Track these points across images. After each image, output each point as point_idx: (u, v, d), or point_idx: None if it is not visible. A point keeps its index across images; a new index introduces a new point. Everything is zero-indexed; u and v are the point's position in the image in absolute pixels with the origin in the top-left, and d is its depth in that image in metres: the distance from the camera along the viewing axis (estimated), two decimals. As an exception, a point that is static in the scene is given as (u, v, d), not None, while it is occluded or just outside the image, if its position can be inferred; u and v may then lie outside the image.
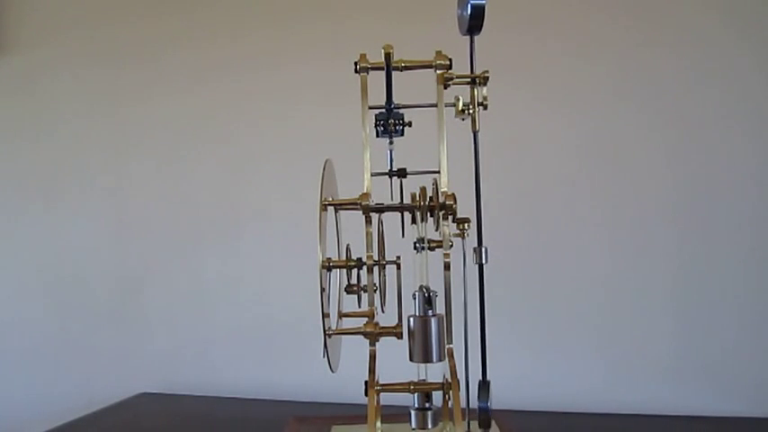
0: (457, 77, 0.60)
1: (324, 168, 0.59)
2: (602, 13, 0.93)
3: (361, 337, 0.56)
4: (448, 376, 0.56)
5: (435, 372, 0.58)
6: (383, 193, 0.61)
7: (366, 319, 0.57)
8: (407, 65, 0.60)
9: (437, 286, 0.57)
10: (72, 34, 1.14)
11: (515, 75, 0.92)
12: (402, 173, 0.61)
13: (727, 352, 0.88)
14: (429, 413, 0.57)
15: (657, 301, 0.91)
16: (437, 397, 0.58)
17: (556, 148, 0.94)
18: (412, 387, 0.57)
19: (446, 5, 0.70)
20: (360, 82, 0.59)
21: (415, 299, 0.57)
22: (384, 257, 0.58)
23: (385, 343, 0.57)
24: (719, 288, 0.89)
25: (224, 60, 1.07)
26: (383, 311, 0.59)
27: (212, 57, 1.07)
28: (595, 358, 0.93)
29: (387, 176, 0.61)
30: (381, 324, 0.57)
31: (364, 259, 0.57)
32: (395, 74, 0.59)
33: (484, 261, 0.62)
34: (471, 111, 0.62)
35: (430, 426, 0.57)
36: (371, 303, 0.57)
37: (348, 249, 0.61)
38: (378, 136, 0.61)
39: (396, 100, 0.60)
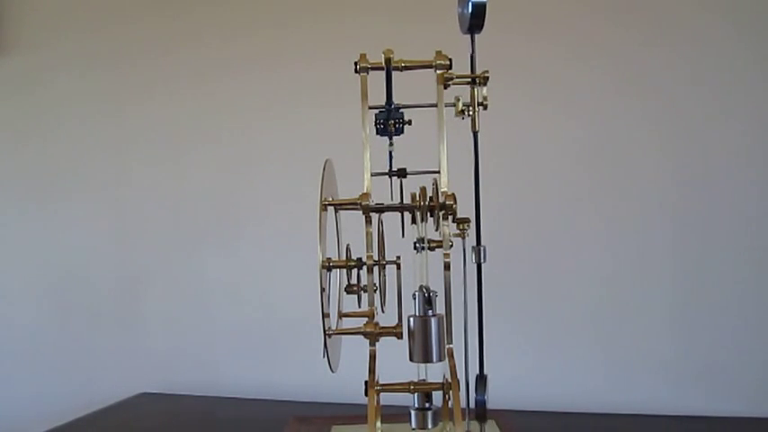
0: (457, 77, 0.60)
1: (324, 168, 0.59)
2: (602, 14, 0.93)
3: (362, 337, 0.56)
4: (448, 376, 0.56)
5: (435, 372, 0.58)
6: (383, 193, 0.61)
7: (366, 319, 0.57)
8: (407, 65, 0.60)
9: (437, 286, 0.57)
10: (72, 35, 1.14)
11: (515, 75, 0.92)
12: (402, 173, 0.61)
13: (727, 352, 0.88)
14: (429, 413, 0.58)
15: (657, 301, 0.91)
16: (437, 397, 0.58)
17: (555, 149, 0.94)
18: (412, 387, 0.57)
19: (446, 5, 0.70)
20: (360, 82, 0.59)
21: (414, 299, 0.57)
22: (384, 257, 0.58)
23: (385, 343, 0.57)
24: (719, 288, 0.89)
25: (224, 60, 1.07)
26: (383, 311, 0.59)
27: (212, 57, 1.07)
28: (595, 358, 0.93)
29: (387, 176, 0.61)
30: (381, 324, 0.57)
31: (364, 259, 0.57)
32: (395, 74, 0.59)
33: (482, 260, 0.62)
34: (471, 111, 0.62)
35: (430, 426, 0.58)
36: (371, 303, 0.57)
37: (348, 249, 0.61)
38: (378, 134, 0.61)
39: (396, 100, 0.60)
